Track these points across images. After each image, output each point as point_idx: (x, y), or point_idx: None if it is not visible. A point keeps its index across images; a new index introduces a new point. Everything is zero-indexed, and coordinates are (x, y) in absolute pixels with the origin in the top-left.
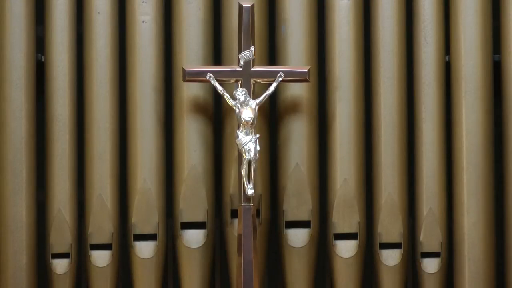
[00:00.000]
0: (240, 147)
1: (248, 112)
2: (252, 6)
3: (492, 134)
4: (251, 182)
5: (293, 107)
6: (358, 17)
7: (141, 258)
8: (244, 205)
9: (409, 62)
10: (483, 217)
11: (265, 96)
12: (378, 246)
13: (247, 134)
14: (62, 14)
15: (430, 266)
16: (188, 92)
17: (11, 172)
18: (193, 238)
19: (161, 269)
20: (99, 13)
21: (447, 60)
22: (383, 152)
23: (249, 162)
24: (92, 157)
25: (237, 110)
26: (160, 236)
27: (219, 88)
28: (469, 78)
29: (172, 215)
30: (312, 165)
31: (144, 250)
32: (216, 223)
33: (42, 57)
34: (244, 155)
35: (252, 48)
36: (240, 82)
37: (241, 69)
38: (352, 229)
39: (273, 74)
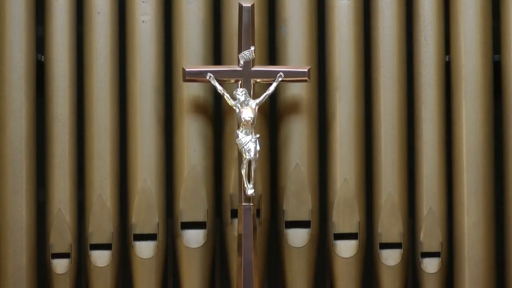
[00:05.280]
0: (240, 147)
1: (248, 112)
2: (252, 6)
3: (492, 134)
4: (251, 182)
5: (293, 107)
6: (358, 17)
7: (141, 258)
8: (244, 205)
9: (409, 62)
10: (483, 217)
11: (265, 96)
12: (378, 246)
13: (247, 134)
14: (62, 14)
15: (430, 266)
16: (188, 92)
17: (11, 172)
18: (193, 238)
19: (161, 269)
20: (99, 13)
21: (447, 60)
22: (383, 152)
23: (249, 162)
24: (92, 157)
25: (237, 110)
26: (160, 236)
27: (219, 88)
28: (469, 78)
29: (172, 215)
30: (312, 165)
31: (144, 250)
32: (216, 223)
33: (42, 57)
34: (244, 155)
35: (252, 48)
36: (240, 82)
37: (241, 69)
38: (352, 229)
39: (273, 74)
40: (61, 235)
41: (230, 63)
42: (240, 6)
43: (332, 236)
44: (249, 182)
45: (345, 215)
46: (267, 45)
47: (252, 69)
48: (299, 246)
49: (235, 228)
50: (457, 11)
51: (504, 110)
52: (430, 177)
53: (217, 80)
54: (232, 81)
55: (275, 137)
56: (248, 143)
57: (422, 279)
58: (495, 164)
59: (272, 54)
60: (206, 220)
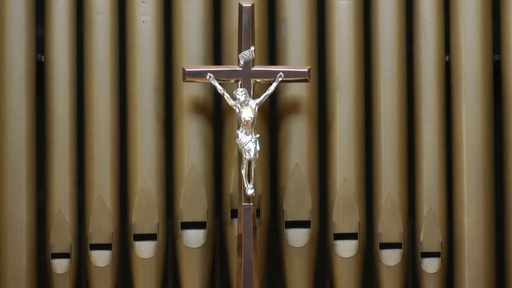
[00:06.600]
0: (240, 147)
1: (248, 112)
2: (252, 6)
3: (492, 134)
4: (251, 182)
5: (293, 107)
6: (358, 17)
7: (141, 258)
8: (244, 205)
9: (409, 62)
10: (483, 217)
11: (265, 96)
12: (378, 246)
13: (247, 134)
14: (62, 14)
15: (430, 266)
16: (188, 92)
17: (11, 172)
18: (193, 238)
19: (161, 269)
20: (99, 13)
21: (447, 60)
22: (383, 152)
23: (249, 162)
24: (92, 157)
25: (237, 110)
26: (160, 236)
27: (219, 88)
28: (469, 78)
29: (172, 215)
30: (312, 165)
31: (144, 250)
32: (216, 223)
33: (42, 57)
34: (244, 155)
35: (252, 48)
36: (240, 82)
37: (241, 69)
38: (352, 229)
39: (273, 74)
40: (61, 235)
41: (230, 63)
42: (240, 6)
43: (332, 236)
44: (249, 182)
45: (345, 215)
46: (267, 45)
47: (252, 69)
48: (299, 246)
49: (235, 228)
50: (457, 11)
51: (504, 110)
52: (430, 177)
53: (217, 80)
54: (232, 81)
55: (275, 137)
56: (248, 143)
57: (422, 279)
58: (495, 164)
59: (272, 54)
60: (206, 220)
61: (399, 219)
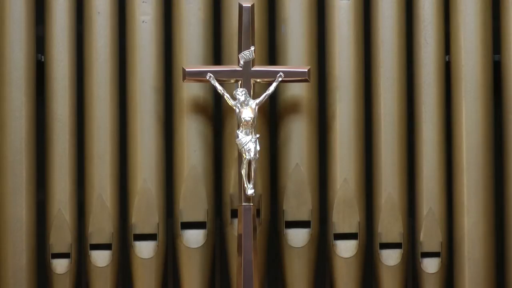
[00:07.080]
0: (240, 147)
1: (248, 112)
2: (252, 6)
3: (492, 134)
4: (251, 182)
5: (293, 107)
6: (358, 17)
7: (141, 258)
8: (244, 205)
9: (409, 62)
10: (483, 217)
11: (265, 96)
12: (378, 246)
13: (247, 134)
14: (62, 14)
15: (430, 266)
16: (188, 92)
17: (11, 172)
18: (193, 238)
19: (161, 269)
20: (99, 13)
21: (447, 60)
22: (383, 152)
23: (249, 162)
24: (92, 157)
25: (237, 110)
26: (160, 236)
27: (219, 88)
28: (469, 78)
29: (172, 215)
30: (312, 165)
31: (144, 250)
32: (216, 223)
33: (42, 57)
34: (244, 155)
35: (252, 48)
36: (240, 82)
37: (241, 69)
38: (352, 229)
39: (273, 74)
40: (61, 235)
41: (230, 63)
42: (240, 6)
43: (332, 236)
44: (249, 182)
45: (345, 215)
46: (267, 45)
47: (252, 69)
48: (299, 246)
49: (235, 228)
50: (457, 11)
51: (504, 110)
52: (430, 177)
53: (217, 80)
54: (232, 81)
55: (275, 137)
56: (248, 143)
57: (422, 279)
58: (495, 164)
59: (272, 54)
60: (206, 220)
61: (399, 219)
